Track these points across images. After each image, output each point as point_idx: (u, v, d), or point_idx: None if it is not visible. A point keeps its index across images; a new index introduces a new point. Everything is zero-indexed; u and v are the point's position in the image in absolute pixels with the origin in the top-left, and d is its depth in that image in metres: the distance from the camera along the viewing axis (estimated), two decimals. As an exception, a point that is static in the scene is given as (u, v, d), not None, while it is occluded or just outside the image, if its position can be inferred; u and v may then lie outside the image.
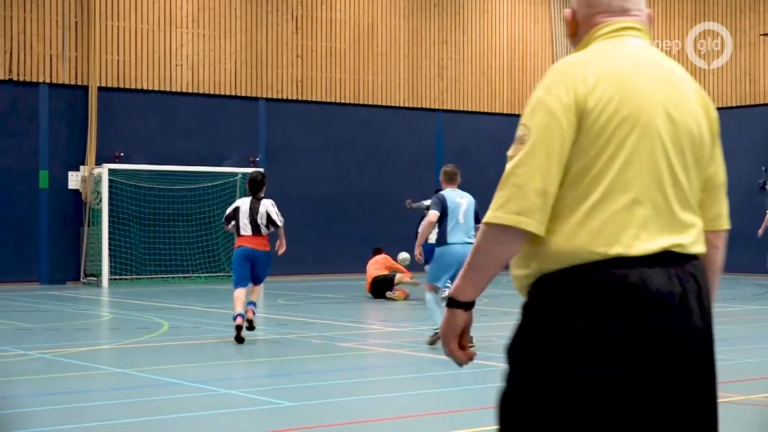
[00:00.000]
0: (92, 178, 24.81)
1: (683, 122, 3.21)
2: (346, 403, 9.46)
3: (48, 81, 24.60)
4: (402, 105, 29.26)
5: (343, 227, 28.02)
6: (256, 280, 13.97)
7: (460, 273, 3.25)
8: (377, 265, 21.30)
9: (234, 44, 26.86)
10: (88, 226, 24.93)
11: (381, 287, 20.89)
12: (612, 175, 3.11)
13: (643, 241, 3.11)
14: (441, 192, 13.07)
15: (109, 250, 24.59)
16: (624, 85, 3.16)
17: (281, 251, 14.17)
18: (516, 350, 3.24)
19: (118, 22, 25.43)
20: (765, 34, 28.72)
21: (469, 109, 30.16)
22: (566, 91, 3.13)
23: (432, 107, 29.73)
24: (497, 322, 15.20)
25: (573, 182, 3.13)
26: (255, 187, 13.92)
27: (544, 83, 3.18)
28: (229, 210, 14.00)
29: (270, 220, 13.71)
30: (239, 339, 13.39)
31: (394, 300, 20.50)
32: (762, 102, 28.70)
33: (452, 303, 3.25)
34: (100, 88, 25.07)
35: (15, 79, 24.24)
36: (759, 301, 20.18)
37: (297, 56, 27.74)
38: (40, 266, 24.59)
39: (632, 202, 3.11)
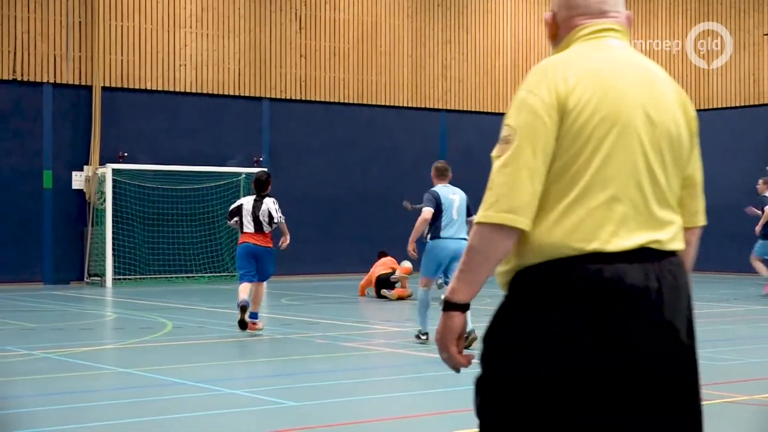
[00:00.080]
0: (96, 178, 24.83)
1: (662, 122, 3.28)
2: (348, 403, 9.47)
3: (52, 81, 24.63)
4: (406, 105, 29.26)
5: (346, 227, 28.02)
6: (261, 276, 14.15)
7: (455, 275, 3.29)
8: (383, 267, 21.31)
9: (237, 44, 26.87)
10: (92, 226, 24.95)
11: (384, 286, 20.91)
12: (591, 172, 3.18)
13: (621, 238, 3.18)
14: (433, 189, 13.16)
15: (113, 250, 24.61)
16: (603, 86, 3.23)
17: (284, 245, 14.47)
18: (496, 342, 3.29)
19: (122, 22, 25.46)
20: (769, 34, 28.71)
21: (473, 109, 30.15)
22: (548, 91, 3.20)
23: (436, 107, 29.73)
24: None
25: (554, 179, 3.20)
26: (260, 186, 14.23)
27: (526, 84, 3.26)
28: (233, 206, 14.38)
29: (271, 218, 13.98)
30: (242, 323, 13.71)
31: (389, 299, 20.52)
32: (765, 102, 28.66)
33: (448, 306, 3.28)
34: (103, 88, 25.09)
35: (19, 79, 24.27)
36: (762, 301, 20.16)
37: (300, 56, 27.75)
38: (44, 266, 24.61)
39: (610, 199, 3.19)
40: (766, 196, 20.77)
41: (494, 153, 3.25)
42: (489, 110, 30.30)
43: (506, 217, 3.16)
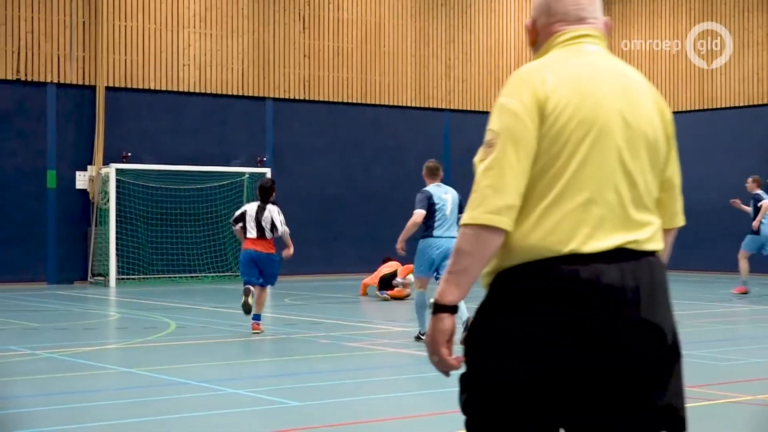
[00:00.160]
0: (100, 177, 24.85)
1: (638, 126, 3.35)
2: (351, 402, 9.47)
3: (56, 81, 24.65)
4: (409, 105, 29.26)
5: (350, 227, 28.02)
6: (264, 282, 14.21)
7: (443, 277, 3.33)
8: (388, 267, 21.31)
9: (241, 44, 26.88)
10: (96, 225, 24.97)
11: (385, 286, 20.93)
12: (567, 176, 3.25)
13: (597, 239, 3.24)
14: (426, 188, 13.23)
15: (117, 249, 24.63)
16: (581, 91, 3.30)
17: (287, 255, 14.58)
18: (478, 341, 3.34)
19: (125, 22, 25.47)
20: (772, 34, 28.68)
21: (477, 109, 30.14)
22: (527, 95, 3.27)
23: (439, 107, 29.73)
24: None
25: (533, 182, 3.27)
26: (264, 193, 14.44)
27: (506, 89, 3.33)
28: (237, 213, 14.52)
29: (274, 225, 14.13)
30: (246, 306, 13.97)
31: (385, 300, 20.54)
32: (769, 101, 28.66)
33: (438, 308, 3.32)
34: (107, 88, 25.11)
35: (23, 79, 24.29)
36: (765, 301, 20.15)
37: (304, 56, 27.76)
38: (47, 266, 24.63)
39: (586, 202, 3.25)
40: (758, 194, 20.81)
41: (477, 158, 3.32)
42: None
43: (492, 218, 3.21)
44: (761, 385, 10.36)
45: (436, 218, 12.98)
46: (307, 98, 27.78)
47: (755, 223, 20.55)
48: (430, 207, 13.00)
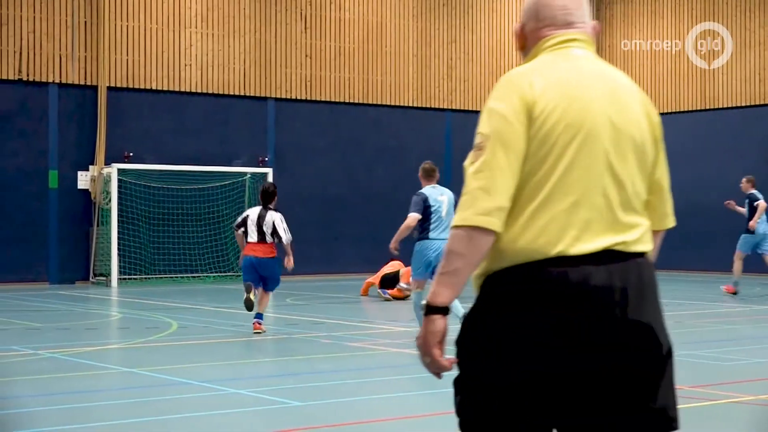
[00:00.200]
0: (101, 177, 24.86)
1: (626, 129, 3.38)
2: (353, 402, 9.47)
3: (57, 81, 24.66)
4: (411, 105, 29.26)
5: (351, 227, 28.02)
6: (265, 287, 14.29)
7: (435, 279, 3.35)
8: (391, 267, 21.31)
9: (243, 44, 26.88)
10: (98, 225, 24.98)
11: (389, 284, 20.93)
12: (554, 179, 3.28)
13: (584, 241, 3.26)
14: (421, 190, 13.29)
15: (119, 249, 24.64)
16: (568, 94, 3.33)
17: (288, 265, 14.64)
18: (469, 344, 3.38)
19: (127, 22, 25.48)
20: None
21: (478, 109, 30.06)
22: (516, 98, 3.31)
23: (441, 107, 29.72)
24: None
25: (521, 185, 3.30)
26: (267, 198, 14.60)
27: (495, 93, 3.37)
28: (239, 218, 14.72)
29: (275, 231, 14.26)
30: (248, 302, 14.08)
31: (387, 300, 20.54)
32: (773, 101, 28.64)
33: (430, 309, 3.34)
34: (109, 88, 25.11)
35: (24, 79, 24.30)
36: (767, 301, 20.15)
37: (306, 56, 27.75)
38: (49, 266, 24.64)
39: (573, 205, 3.28)
40: (753, 194, 20.80)
41: (467, 162, 3.34)
42: (494, 110, 30.23)
43: (483, 220, 3.24)
44: (763, 386, 10.35)
45: (432, 220, 13.04)
46: (308, 98, 27.78)
47: (752, 223, 20.54)
48: (426, 209, 13.07)
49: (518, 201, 3.29)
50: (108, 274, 24.49)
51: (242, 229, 14.44)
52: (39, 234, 24.50)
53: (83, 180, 25.03)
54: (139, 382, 10.57)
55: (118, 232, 24.59)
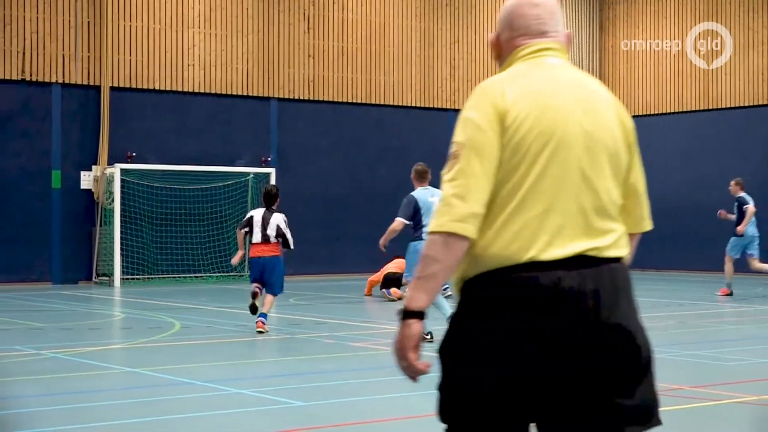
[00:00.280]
0: (104, 177, 24.87)
1: (598, 136, 3.43)
2: (356, 402, 9.47)
3: (60, 81, 24.67)
4: (414, 105, 29.26)
5: (354, 227, 28.01)
6: (268, 288, 14.41)
7: (411, 284, 3.40)
8: (395, 266, 21.31)
9: (246, 44, 26.89)
10: (101, 225, 24.99)
11: (390, 284, 20.93)
12: (527, 186, 3.34)
13: (556, 247, 3.32)
14: (412, 193, 13.46)
15: (121, 249, 24.65)
16: (541, 103, 3.39)
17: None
18: (446, 352, 3.44)
19: (130, 22, 25.49)
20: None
21: (481, 109, 30.08)
22: (490, 107, 3.37)
23: (444, 107, 29.72)
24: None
25: (495, 192, 3.36)
26: (269, 200, 14.88)
27: (469, 103, 3.44)
28: (244, 220, 15.04)
29: (279, 232, 14.58)
30: (253, 307, 14.44)
31: (391, 300, 20.54)
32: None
33: (407, 314, 3.39)
34: (112, 88, 25.12)
35: (28, 79, 24.31)
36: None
37: (309, 56, 27.76)
38: (52, 266, 24.65)
39: (545, 211, 3.34)
40: (741, 197, 20.80)
41: (444, 171, 3.43)
42: (497, 110, 30.23)
43: (457, 226, 3.30)
44: (766, 386, 10.33)
45: (424, 222, 13.22)
46: (311, 98, 27.79)
47: (740, 228, 20.53)
48: (415, 213, 13.35)
49: (492, 208, 3.35)
50: (111, 274, 24.50)
51: (246, 229, 14.70)
52: (42, 234, 24.52)
53: (86, 180, 25.05)
54: (141, 382, 10.58)
55: (121, 232, 24.60)
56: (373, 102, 28.64)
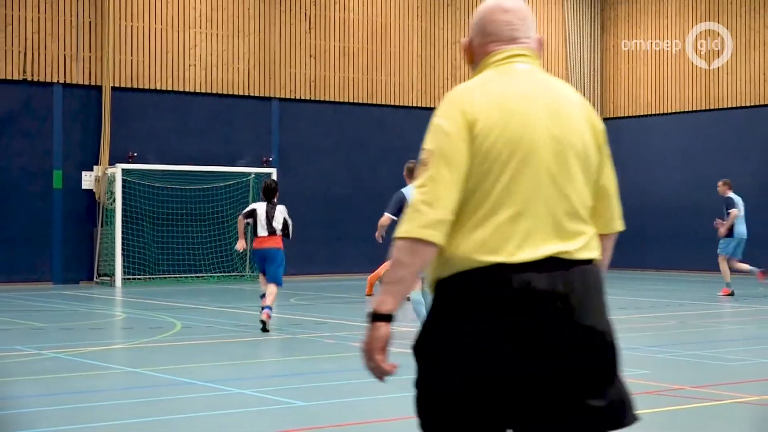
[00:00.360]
0: (106, 178, 24.88)
1: (566, 140, 3.47)
2: (357, 403, 9.47)
3: (62, 81, 24.68)
4: (415, 105, 29.25)
5: (355, 227, 28.00)
6: (271, 278, 14.56)
7: (380, 288, 3.47)
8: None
9: (247, 44, 26.89)
10: (102, 225, 25.00)
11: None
12: (497, 192, 3.39)
13: (526, 250, 3.37)
14: (402, 190, 13.59)
15: (123, 249, 24.65)
16: (509, 109, 3.44)
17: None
18: (419, 352, 3.54)
19: (131, 22, 25.49)
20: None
21: (482, 109, 30.09)
22: (458, 115, 3.42)
23: (445, 107, 29.67)
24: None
25: (465, 198, 3.40)
26: (269, 193, 15.24)
27: (439, 111, 3.50)
28: (246, 210, 15.42)
29: (285, 223, 15.01)
30: (262, 323, 14.48)
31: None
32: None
33: (375, 317, 3.46)
34: (113, 88, 25.13)
35: (29, 79, 24.32)
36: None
37: (310, 56, 27.76)
38: (53, 266, 24.66)
39: (515, 215, 3.38)
40: (729, 197, 20.84)
41: (416, 178, 3.46)
42: (498, 110, 30.23)
43: (424, 232, 3.34)
44: (767, 386, 10.33)
45: None
46: (312, 98, 27.79)
47: (722, 231, 20.59)
48: (402, 209, 13.44)
49: (463, 213, 3.39)
50: (112, 274, 24.51)
51: (249, 220, 15.05)
52: (43, 234, 24.52)
53: (87, 180, 25.06)
54: (142, 382, 10.58)
55: (122, 232, 24.61)
56: (374, 102, 28.64)
